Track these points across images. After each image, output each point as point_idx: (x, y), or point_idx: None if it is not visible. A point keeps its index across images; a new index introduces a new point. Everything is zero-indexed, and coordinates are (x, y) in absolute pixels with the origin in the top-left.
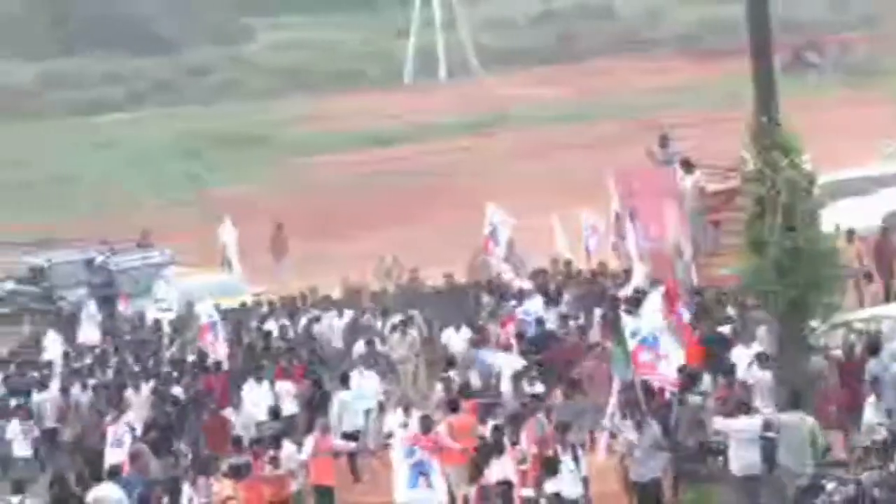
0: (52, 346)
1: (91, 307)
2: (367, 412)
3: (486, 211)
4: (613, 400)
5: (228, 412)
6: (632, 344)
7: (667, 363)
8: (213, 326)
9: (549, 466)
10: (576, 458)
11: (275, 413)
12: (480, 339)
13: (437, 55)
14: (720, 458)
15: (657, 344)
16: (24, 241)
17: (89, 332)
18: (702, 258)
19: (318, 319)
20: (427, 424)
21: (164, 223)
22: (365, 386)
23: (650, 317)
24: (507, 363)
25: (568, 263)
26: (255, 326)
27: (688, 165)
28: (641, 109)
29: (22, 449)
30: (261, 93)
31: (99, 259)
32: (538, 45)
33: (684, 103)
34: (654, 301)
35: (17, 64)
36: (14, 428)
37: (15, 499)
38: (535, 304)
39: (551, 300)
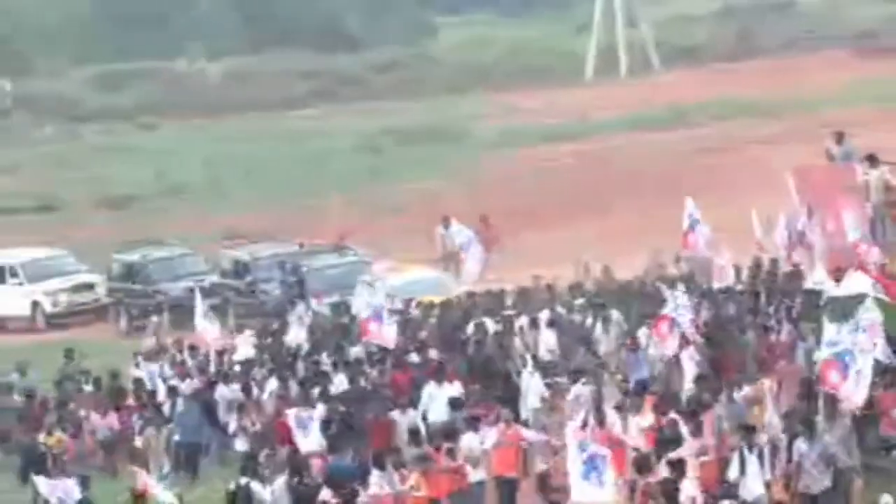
0: (244, 346)
1: (300, 308)
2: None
3: (686, 205)
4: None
5: (395, 413)
6: (825, 354)
7: (855, 385)
8: (377, 316)
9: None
10: (761, 459)
11: (457, 405)
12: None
13: (618, 52)
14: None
15: (851, 362)
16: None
17: (298, 334)
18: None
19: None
20: (601, 419)
21: (348, 219)
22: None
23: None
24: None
25: (774, 262)
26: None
27: (873, 160)
28: (820, 105)
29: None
30: (445, 89)
31: (290, 259)
32: (718, 41)
33: (862, 100)
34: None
35: (206, 62)
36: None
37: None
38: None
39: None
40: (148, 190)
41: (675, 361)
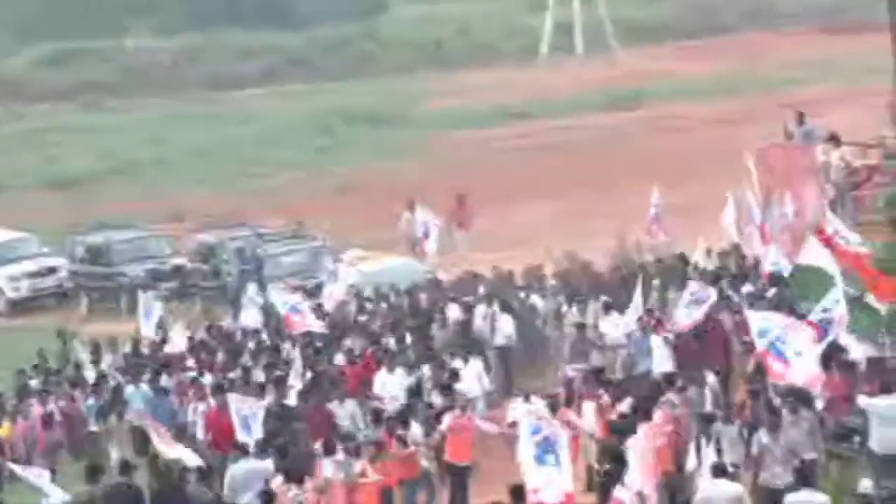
0: (178, 338)
1: (251, 290)
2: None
3: (654, 191)
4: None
5: (333, 404)
6: (760, 346)
7: (797, 368)
8: (294, 309)
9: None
10: (719, 452)
11: (414, 393)
12: (647, 324)
13: (573, 29)
14: (858, 438)
15: (785, 348)
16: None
17: (251, 316)
18: None
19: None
20: (554, 405)
21: (297, 199)
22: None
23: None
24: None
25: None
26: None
27: (835, 140)
28: (780, 84)
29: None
30: (395, 68)
31: (248, 245)
32: (679, 18)
33: (823, 78)
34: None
35: (153, 40)
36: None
37: None
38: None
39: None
40: (95, 170)
41: (646, 347)
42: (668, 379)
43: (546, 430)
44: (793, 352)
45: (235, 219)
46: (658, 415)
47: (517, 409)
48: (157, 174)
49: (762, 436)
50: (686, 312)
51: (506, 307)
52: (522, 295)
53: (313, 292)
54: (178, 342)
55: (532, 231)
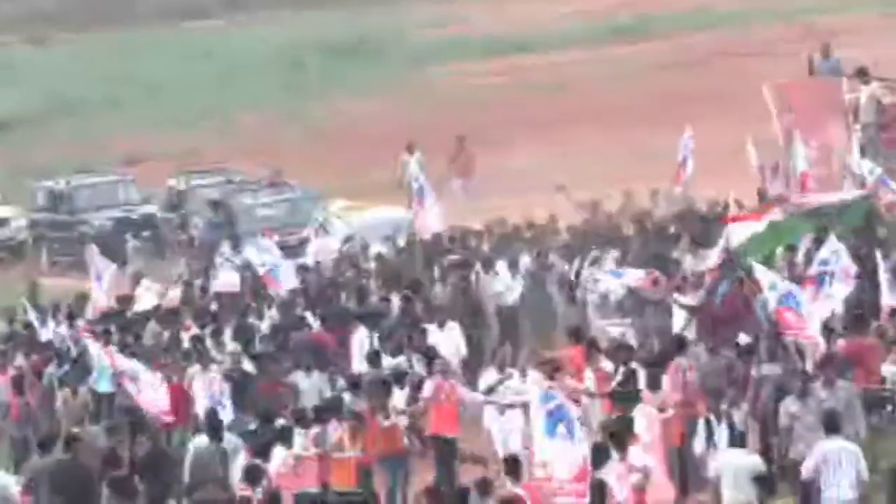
0: (146, 295)
1: (225, 248)
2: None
3: (684, 135)
4: None
5: (298, 375)
6: (772, 303)
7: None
8: (273, 273)
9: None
10: (731, 427)
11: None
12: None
13: None
14: (890, 406)
15: (799, 303)
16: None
17: (228, 278)
18: None
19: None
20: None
21: (264, 144)
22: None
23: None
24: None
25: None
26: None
27: (863, 75)
28: (801, 13)
29: None
30: None
31: (221, 194)
32: None
33: (850, 5)
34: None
35: None
36: None
37: None
38: None
39: None
40: (38, 110)
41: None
42: (678, 342)
43: (558, 399)
44: (807, 310)
45: (191, 164)
46: (665, 381)
47: (489, 378)
48: (107, 116)
49: (790, 404)
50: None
51: (512, 265)
52: (533, 251)
53: (296, 249)
54: (147, 301)
55: (532, 178)
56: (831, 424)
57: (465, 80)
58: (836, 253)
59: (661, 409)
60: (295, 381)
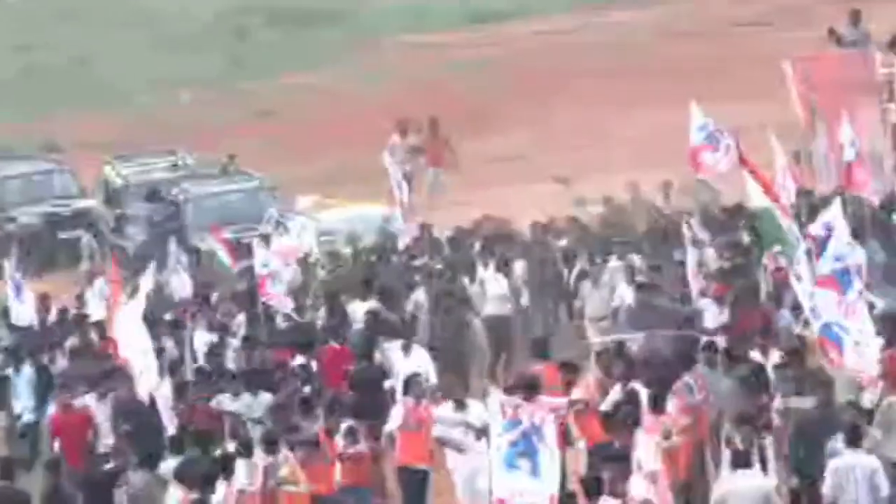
0: (94, 301)
1: (173, 246)
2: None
3: (692, 113)
4: None
5: (224, 398)
6: (815, 329)
7: (858, 356)
8: (273, 277)
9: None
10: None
11: None
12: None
13: None
14: None
15: (842, 334)
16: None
17: (182, 283)
18: None
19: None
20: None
21: (202, 125)
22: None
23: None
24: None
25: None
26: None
27: None
28: None
29: None
30: None
31: (163, 185)
32: None
33: None
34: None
35: None
36: None
37: None
38: None
39: None
40: None
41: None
42: (687, 357)
43: (523, 426)
44: (853, 343)
45: (123, 149)
46: (672, 405)
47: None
48: (21, 92)
49: (838, 460)
50: None
51: (502, 266)
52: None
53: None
54: (95, 309)
55: (522, 167)
56: (852, 437)
57: (433, 50)
58: (850, 245)
59: (667, 437)
60: (219, 406)
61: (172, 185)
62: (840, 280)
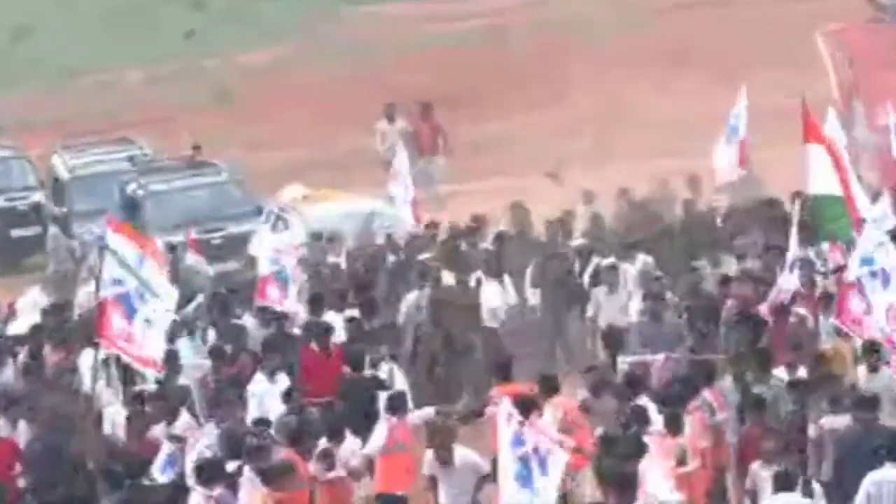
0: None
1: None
2: None
3: (739, 94)
4: None
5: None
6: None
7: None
8: (279, 276)
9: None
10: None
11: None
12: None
13: None
14: None
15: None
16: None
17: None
18: None
19: None
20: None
21: (152, 107)
22: None
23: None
24: None
25: None
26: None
27: None
28: None
29: None
30: None
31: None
32: None
33: None
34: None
35: None
36: None
37: None
38: None
39: None
40: None
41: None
42: (706, 371)
43: (526, 448)
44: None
45: (63, 135)
46: (689, 424)
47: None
48: None
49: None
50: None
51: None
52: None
53: (222, 251)
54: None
55: (522, 157)
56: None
57: (408, 22)
58: (882, 247)
59: (681, 462)
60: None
61: (128, 177)
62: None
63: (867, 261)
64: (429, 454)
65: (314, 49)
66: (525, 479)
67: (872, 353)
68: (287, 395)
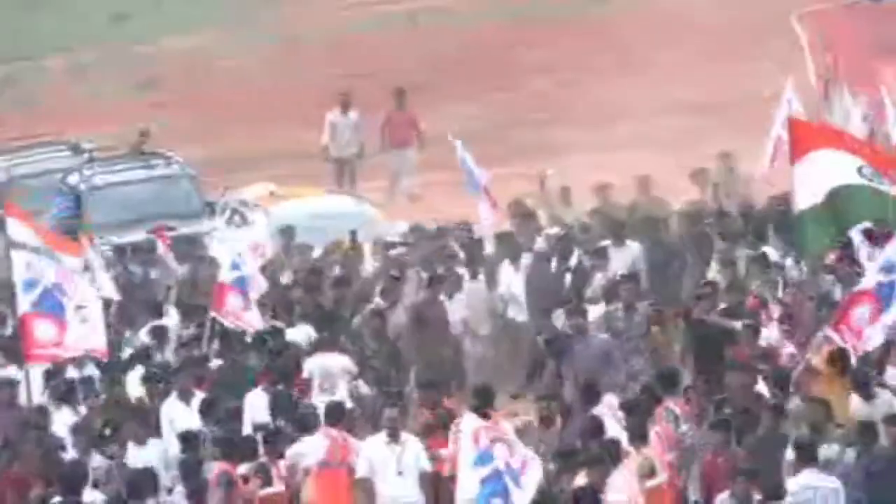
0: None
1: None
2: None
3: (787, 84)
4: None
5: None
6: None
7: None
8: (240, 285)
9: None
10: None
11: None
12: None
13: None
14: None
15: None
16: None
17: (104, 283)
18: None
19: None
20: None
21: (82, 98)
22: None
23: None
24: None
25: None
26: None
27: None
28: None
29: None
30: None
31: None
32: None
33: None
34: None
35: None
36: None
37: None
38: None
39: None
40: None
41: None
42: (667, 378)
43: (496, 463)
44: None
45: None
46: (653, 436)
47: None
48: None
49: None
50: None
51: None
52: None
53: (174, 250)
54: None
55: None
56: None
57: (362, 6)
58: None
59: (648, 475)
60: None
61: (68, 173)
62: (879, 294)
63: (889, 267)
64: None
65: (288, 32)
66: (501, 493)
67: (864, 385)
68: (207, 407)
